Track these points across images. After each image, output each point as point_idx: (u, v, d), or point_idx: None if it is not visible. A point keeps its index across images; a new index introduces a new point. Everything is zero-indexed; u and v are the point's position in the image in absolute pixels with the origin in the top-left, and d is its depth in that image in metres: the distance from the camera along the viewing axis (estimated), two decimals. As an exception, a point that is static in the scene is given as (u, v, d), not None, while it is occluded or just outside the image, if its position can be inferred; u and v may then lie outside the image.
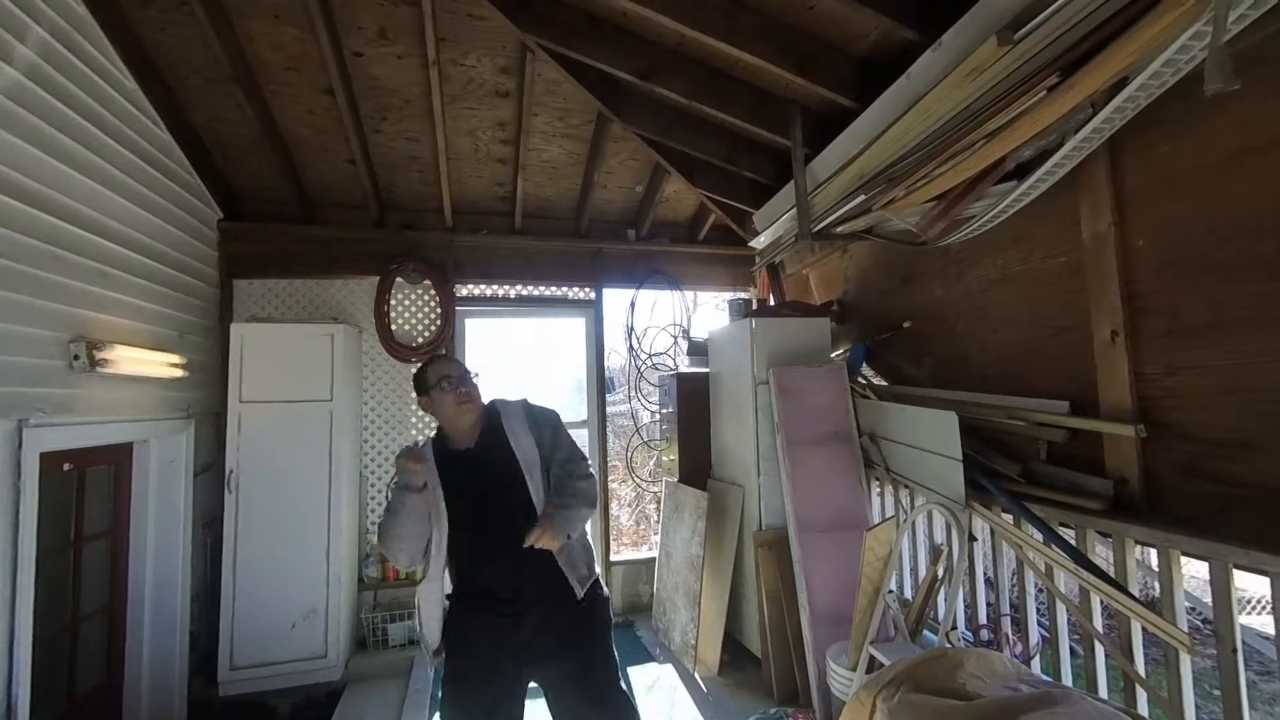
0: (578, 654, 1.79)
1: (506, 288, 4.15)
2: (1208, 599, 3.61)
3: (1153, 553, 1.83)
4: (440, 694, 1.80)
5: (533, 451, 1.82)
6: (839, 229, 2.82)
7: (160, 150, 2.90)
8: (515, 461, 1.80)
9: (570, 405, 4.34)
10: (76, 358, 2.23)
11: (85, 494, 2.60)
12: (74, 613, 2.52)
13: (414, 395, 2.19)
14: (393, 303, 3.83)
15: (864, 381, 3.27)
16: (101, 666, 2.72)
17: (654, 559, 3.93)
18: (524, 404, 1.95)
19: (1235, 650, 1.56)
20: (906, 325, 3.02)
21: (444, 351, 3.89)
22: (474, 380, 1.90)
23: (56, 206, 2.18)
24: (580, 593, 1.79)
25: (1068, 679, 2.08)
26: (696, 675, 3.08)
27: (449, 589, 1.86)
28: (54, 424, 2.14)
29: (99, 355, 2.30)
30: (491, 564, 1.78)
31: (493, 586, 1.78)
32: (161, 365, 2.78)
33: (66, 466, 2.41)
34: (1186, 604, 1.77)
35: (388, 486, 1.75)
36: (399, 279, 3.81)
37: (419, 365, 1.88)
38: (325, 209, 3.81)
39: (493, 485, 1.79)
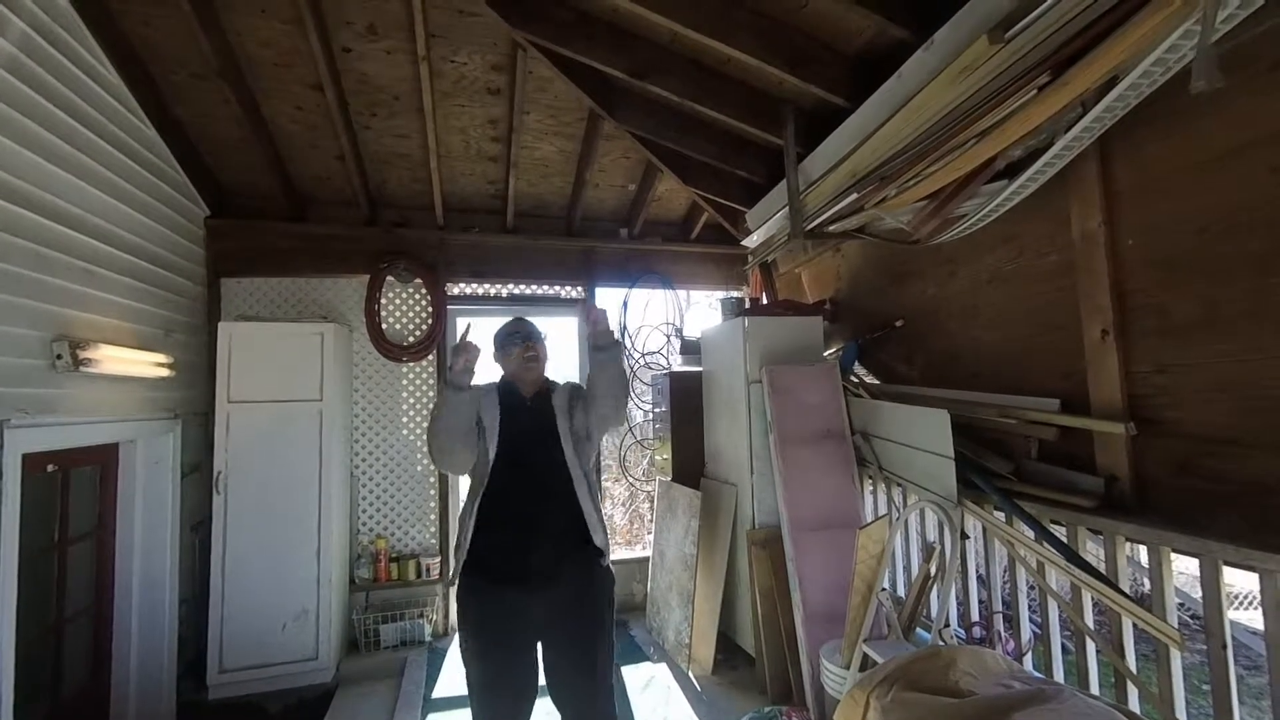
0: (581, 627, 1.86)
1: (498, 286, 4.13)
2: (1197, 594, 3.67)
3: (1143, 549, 1.84)
4: (465, 667, 1.85)
5: (566, 422, 1.99)
6: (831, 228, 2.82)
7: (145, 146, 2.85)
8: (558, 426, 1.97)
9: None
10: (59, 357, 2.19)
11: (70, 495, 2.56)
12: (59, 614, 2.48)
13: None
14: (384, 301, 3.79)
15: (856, 380, 3.28)
16: (88, 669, 2.68)
17: (648, 558, 3.92)
18: (574, 385, 2.13)
19: (1225, 646, 1.57)
20: (899, 324, 3.03)
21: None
22: (543, 340, 2.08)
23: (37, 203, 2.14)
24: (604, 555, 1.91)
25: (1060, 676, 2.10)
26: (690, 674, 3.08)
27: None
28: (36, 424, 2.11)
29: (82, 355, 2.26)
30: (521, 497, 1.88)
31: (514, 521, 1.85)
32: (147, 365, 2.74)
33: (50, 467, 2.38)
34: (1176, 600, 1.78)
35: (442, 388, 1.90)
36: (390, 277, 3.77)
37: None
38: (315, 206, 3.77)
39: (539, 434, 1.96)
